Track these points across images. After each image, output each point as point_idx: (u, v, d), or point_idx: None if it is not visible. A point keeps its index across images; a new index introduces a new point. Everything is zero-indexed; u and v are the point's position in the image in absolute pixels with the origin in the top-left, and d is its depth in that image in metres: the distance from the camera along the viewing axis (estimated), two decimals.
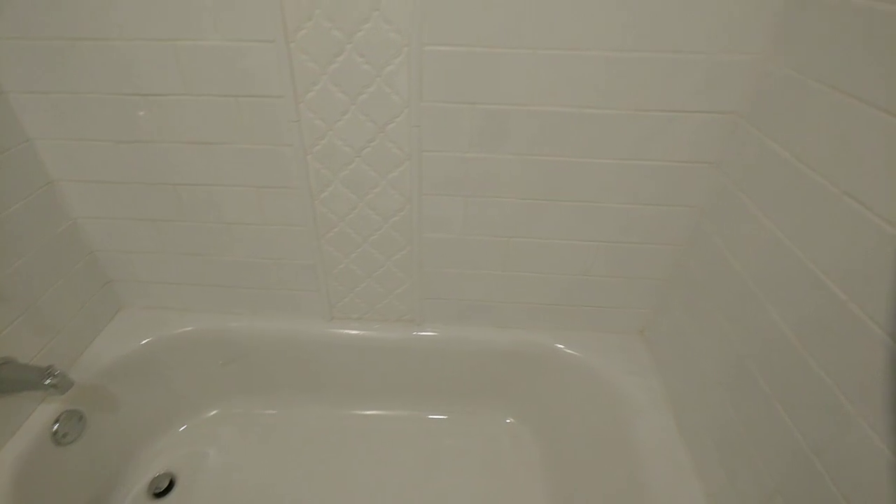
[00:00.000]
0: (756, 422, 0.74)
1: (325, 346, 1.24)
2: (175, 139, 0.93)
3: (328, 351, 1.24)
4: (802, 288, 0.66)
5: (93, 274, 1.14)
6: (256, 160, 0.95)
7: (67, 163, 0.98)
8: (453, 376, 1.27)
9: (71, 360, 1.09)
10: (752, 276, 0.77)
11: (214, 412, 1.33)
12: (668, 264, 1.04)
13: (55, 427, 0.98)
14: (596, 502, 1.04)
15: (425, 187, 0.97)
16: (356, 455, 1.27)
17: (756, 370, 0.75)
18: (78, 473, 1.04)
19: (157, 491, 1.16)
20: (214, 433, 1.29)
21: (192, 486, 1.18)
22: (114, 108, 0.89)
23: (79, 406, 1.04)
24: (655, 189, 0.93)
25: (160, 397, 1.24)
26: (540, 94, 0.83)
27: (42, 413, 0.99)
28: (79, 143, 0.95)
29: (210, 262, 1.13)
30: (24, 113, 0.91)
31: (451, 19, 0.77)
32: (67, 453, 1.01)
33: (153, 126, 0.92)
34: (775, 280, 0.72)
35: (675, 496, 0.87)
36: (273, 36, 0.80)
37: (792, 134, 0.70)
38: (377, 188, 0.98)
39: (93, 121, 0.91)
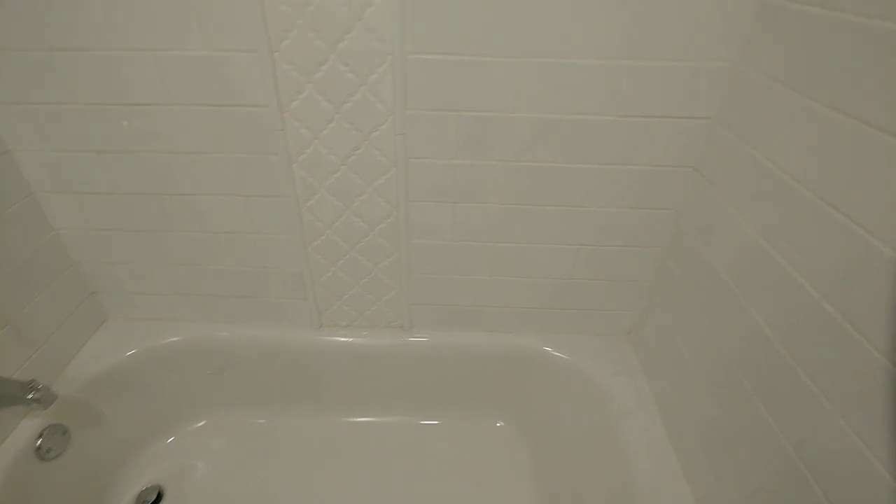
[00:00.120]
0: (741, 421, 0.76)
1: (315, 354, 1.23)
2: (159, 149, 0.93)
3: (318, 358, 1.24)
4: (780, 288, 0.67)
5: (77, 285, 1.13)
6: (242, 169, 0.95)
7: (49, 174, 0.97)
8: (444, 381, 1.28)
9: (54, 374, 1.07)
10: (732, 277, 0.79)
11: (202, 423, 1.32)
12: (651, 267, 1.06)
13: (39, 442, 0.97)
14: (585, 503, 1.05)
15: (412, 194, 0.98)
16: (349, 463, 1.26)
17: (739, 370, 0.76)
18: (63, 489, 1.02)
19: None
20: (203, 444, 1.28)
21: (180, 499, 1.17)
22: (96, 118, 0.89)
23: (63, 420, 1.02)
24: (637, 193, 0.95)
25: (147, 409, 1.22)
26: (524, 101, 0.85)
27: (25, 428, 0.97)
28: (60, 154, 0.94)
29: (196, 272, 1.12)
30: (2, 124, 0.90)
31: (435, 28, 0.78)
32: (52, 469, 1.00)
33: (137, 136, 0.91)
34: (754, 281, 0.74)
35: (664, 496, 0.88)
36: (256, 46, 0.80)
37: (764, 138, 0.72)
38: (363, 196, 0.99)
39: (74, 131, 0.91)
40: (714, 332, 0.84)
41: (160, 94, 0.86)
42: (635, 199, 0.96)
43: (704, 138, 0.87)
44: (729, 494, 0.77)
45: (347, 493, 1.20)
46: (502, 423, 1.34)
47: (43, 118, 0.89)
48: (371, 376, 1.27)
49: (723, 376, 0.80)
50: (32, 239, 1.00)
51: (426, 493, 1.21)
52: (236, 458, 1.26)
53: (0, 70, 0.84)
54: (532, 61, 0.80)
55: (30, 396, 0.89)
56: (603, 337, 1.20)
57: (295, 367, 1.25)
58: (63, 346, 1.10)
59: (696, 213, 0.91)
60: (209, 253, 1.08)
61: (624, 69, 0.80)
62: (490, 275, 1.10)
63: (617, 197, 0.96)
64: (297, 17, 0.78)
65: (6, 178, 0.94)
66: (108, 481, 1.15)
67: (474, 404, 1.32)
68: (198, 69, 0.83)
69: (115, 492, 1.15)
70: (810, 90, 0.63)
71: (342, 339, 1.21)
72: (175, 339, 1.20)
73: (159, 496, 1.16)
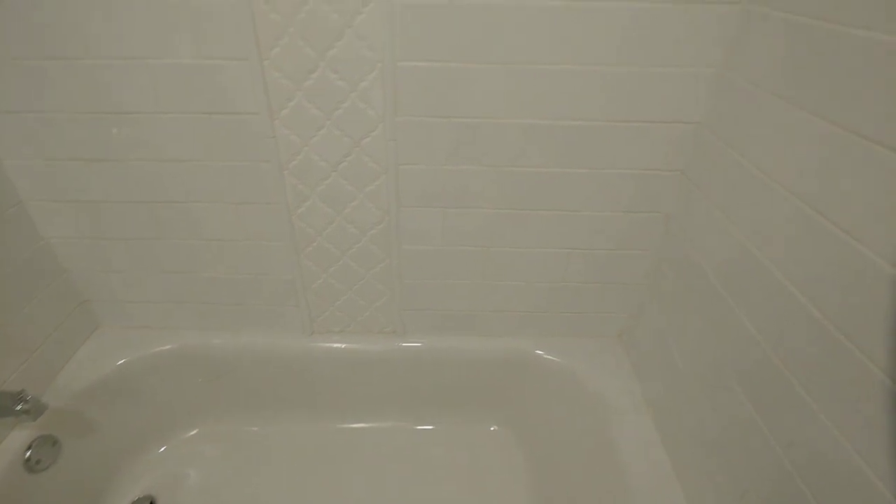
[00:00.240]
0: (732, 423, 0.76)
1: (308, 361, 1.23)
2: (150, 157, 0.93)
3: (311, 365, 1.24)
4: (767, 291, 0.68)
5: (67, 294, 1.12)
6: (233, 177, 0.95)
7: (38, 183, 0.97)
8: (438, 386, 1.28)
9: (44, 384, 1.06)
10: (721, 280, 0.80)
11: (195, 431, 1.31)
12: (642, 270, 1.07)
13: (28, 454, 0.96)
14: None
15: (403, 200, 0.98)
16: (343, 470, 1.26)
17: (730, 372, 0.77)
18: (53, 501, 1.01)
19: None
20: (195, 453, 1.27)
21: None
22: (85, 126, 0.89)
23: (53, 431, 1.01)
24: (627, 197, 0.96)
25: (138, 418, 1.21)
26: (513, 107, 0.85)
27: (14, 440, 0.96)
28: (49, 163, 0.94)
29: (188, 279, 1.12)
30: None
31: (424, 35, 0.79)
32: (42, 480, 0.98)
33: (127, 144, 0.91)
34: (742, 284, 0.75)
35: (656, 497, 0.89)
36: (246, 54, 0.81)
37: (749, 143, 0.73)
38: (355, 202, 0.99)
39: (64, 140, 0.90)
40: (704, 334, 0.85)
41: (151, 102, 0.86)
42: (626, 202, 0.97)
43: (692, 143, 0.88)
44: (720, 496, 0.78)
45: (342, 500, 1.20)
46: (496, 428, 1.34)
47: (33, 127, 0.89)
48: (364, 382, 1.26)
49: (714, 378, 0.81)
50: (22, 248, 1.00)
51: (422, 499, 1.20)
52: (230, 467, 1.25)
53: None
54: (521, 68, 0.81)
55: (18, 408, 0.88)
56: (595, 340, 1.20)
57: (288, 373, 1.25)
58: (53, 356, 1.09)
59: (685, 217, 0.92)
60: (201, 260, 1.08)
61: (612, 75, 0.81)
62: (482, 279, 1.10)
63: (608, 201, 0.96)
64: (287, 25, 0.78)
65: None
66: (99, 492, 1.14)
67: (468, 409, 1.32)
68: (188, 77, 0.83)
69: (106, 503, 1.14)
70: (793, 96, 0.64)
71: (335, 345, 1.21)
72: (167, 347, 1.19)
73: None
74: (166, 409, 1.26)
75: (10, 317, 0.97)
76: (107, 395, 1.13)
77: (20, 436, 0.96)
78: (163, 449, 1.27)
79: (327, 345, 1.21)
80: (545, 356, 1.18)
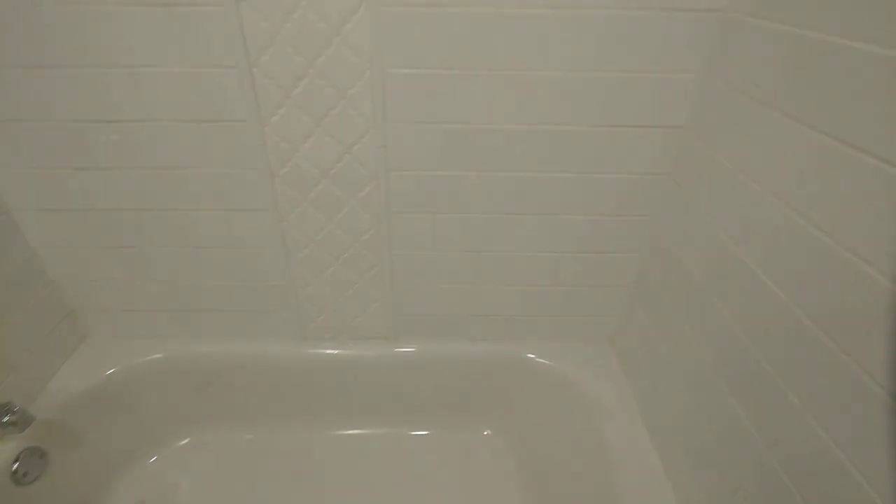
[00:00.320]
0: (719, 422, 0.77)
1: (300, 367, 1.22)
2: (138, 165, 0.92)
3: (304, 372, 1.23)
4: (751, 292, 0.69)
5: (54, 304, 1.11)
6: (223, 185, 0.95)
7: (24, 192, 0.96)
8: (431, 391, 1.28)
9: (31, 395, 1.05)
10: (708, 282, 0.81)
11: (186, 441, 1.29)
12: (631, 272, 1.08)
13: (15, 466, 0.94)
14: None
15: (394, 205, 0.98)
16: (338, 477, 1.25)
17: (716, 372, 0.78)
18: None
19: None
20: (186, 462, 1.26)
21: None
22: (72, 135, 0.88)
23: (41, 443, 1.00)
24: (614, 200, 0.97)
25: (128, 429, 1.20)
26: (500, 113, 0.86)
27: (0, 452, 0.94)
28: (36, 172, 0.93)
29: (178, 287, 1.11)
30: None
31: (411, 43, 0.80)
32: (30, 493, 0.97)
33: (115, 152, 0.91)
34: (727, 285, 0.76)
35: (647, 497, 0.90)
36: (235, 61, 0.81)
37: (733, 147, 0.75)
38: (346, 208, 0.99)
39: (50, 149, 0.90)
40: (692, 335, 0.86)
41: (139, 109, 0.86)
42: (613, 206, 0.98)
43: (677, 147, 0.90)
44: (710, 494, 0.79)
45: None
46: (489, 432, 1.34)
47: (19, 135, 0.88)
48: (358, 388, 1.26)
49: (701, 378, 0.82)
50: (8, 258, 0.99)
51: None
52: (222, 476, 1.24)
53: None
54: (507, 74, 0.82)
55: (5, 419, 0.87)
56: (586, 343, 1.21)
57: (280, 380, 1.24)
58: (41, 367, 1.08)
59: (671, 220, 0.94)
60: (191, 268, 1.07)
61: (596, 81, 0.82)
62: (473, 284, 1.11)
63: (595, 204, 0.98)
64: (275, 33, 0.79)
65: None
66: None
67: (462, 414, 1.32)
68: (177, 85, 0.83)
69: None
70: (774, 102, 0.65)
71: (328, 351, 1.21)
72: (157, 356, 1.18)
73: None
74: (157, 418, 1.24)
75: None
76: (95, 406, 1.12)
77: (7, 448, 0.95)
78: (153, 459, 1.25)
79: (320, 351, 1.21)
80: (537, 359, 1.19)
